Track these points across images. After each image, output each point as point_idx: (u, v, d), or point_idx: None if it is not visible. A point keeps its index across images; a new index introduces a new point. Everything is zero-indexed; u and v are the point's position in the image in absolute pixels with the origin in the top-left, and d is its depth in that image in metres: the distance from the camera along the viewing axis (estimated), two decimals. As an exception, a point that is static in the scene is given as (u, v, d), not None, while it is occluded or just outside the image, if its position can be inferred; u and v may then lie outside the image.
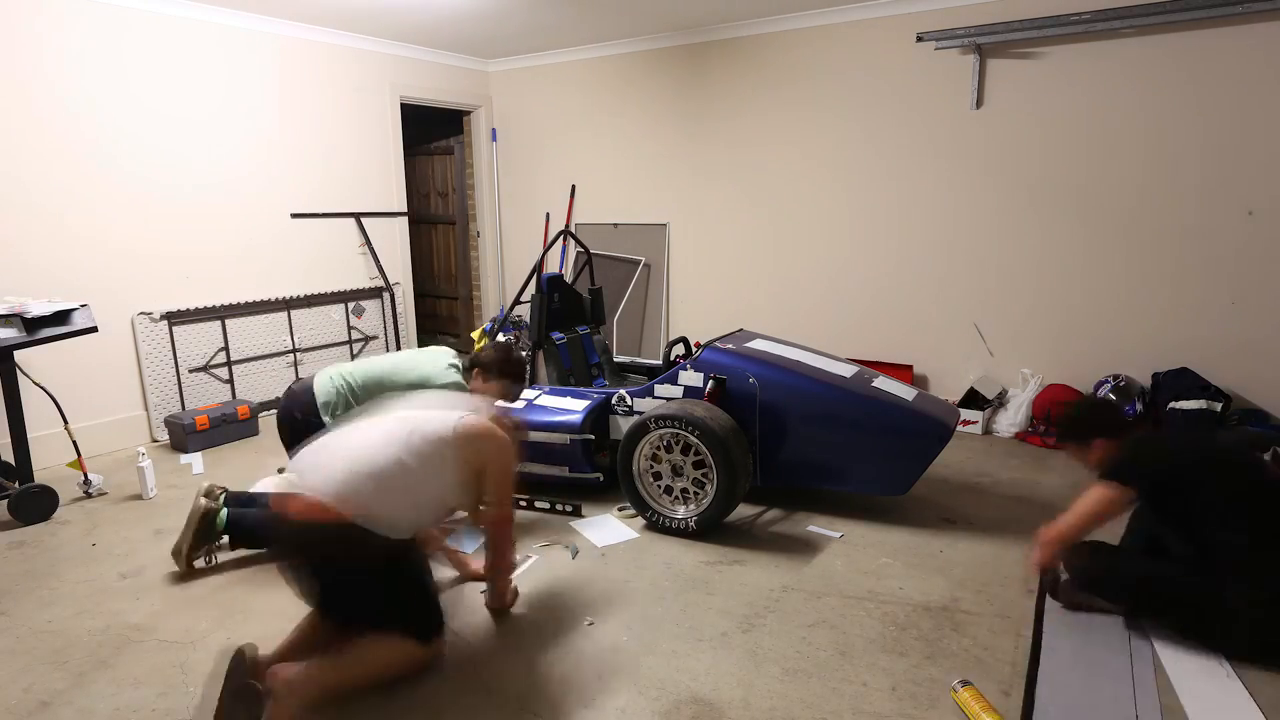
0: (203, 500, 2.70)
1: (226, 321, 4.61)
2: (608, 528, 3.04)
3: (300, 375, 4.98)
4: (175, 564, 2.72)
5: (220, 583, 2.66)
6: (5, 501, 3.18)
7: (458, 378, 2.93)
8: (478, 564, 2.57)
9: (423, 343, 6.24)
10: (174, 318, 4.36)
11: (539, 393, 3.55)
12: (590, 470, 3.25)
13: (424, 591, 2.08)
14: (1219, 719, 1.90)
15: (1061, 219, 4.17)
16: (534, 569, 2.72)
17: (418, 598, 2.07)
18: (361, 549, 1.92)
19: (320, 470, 1.98)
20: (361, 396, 2.86)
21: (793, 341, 3.61)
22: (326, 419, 2.81)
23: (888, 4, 4.40)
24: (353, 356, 5.31)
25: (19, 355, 3.23)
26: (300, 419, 2.85)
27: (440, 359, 3.01)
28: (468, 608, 2.44)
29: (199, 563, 2.73)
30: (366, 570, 1.95)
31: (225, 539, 2.75)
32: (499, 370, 2.79)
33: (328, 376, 2.93)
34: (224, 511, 2.73)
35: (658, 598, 2.51)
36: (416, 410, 2.22)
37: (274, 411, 4.73)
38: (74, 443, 3.44)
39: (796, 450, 3.07)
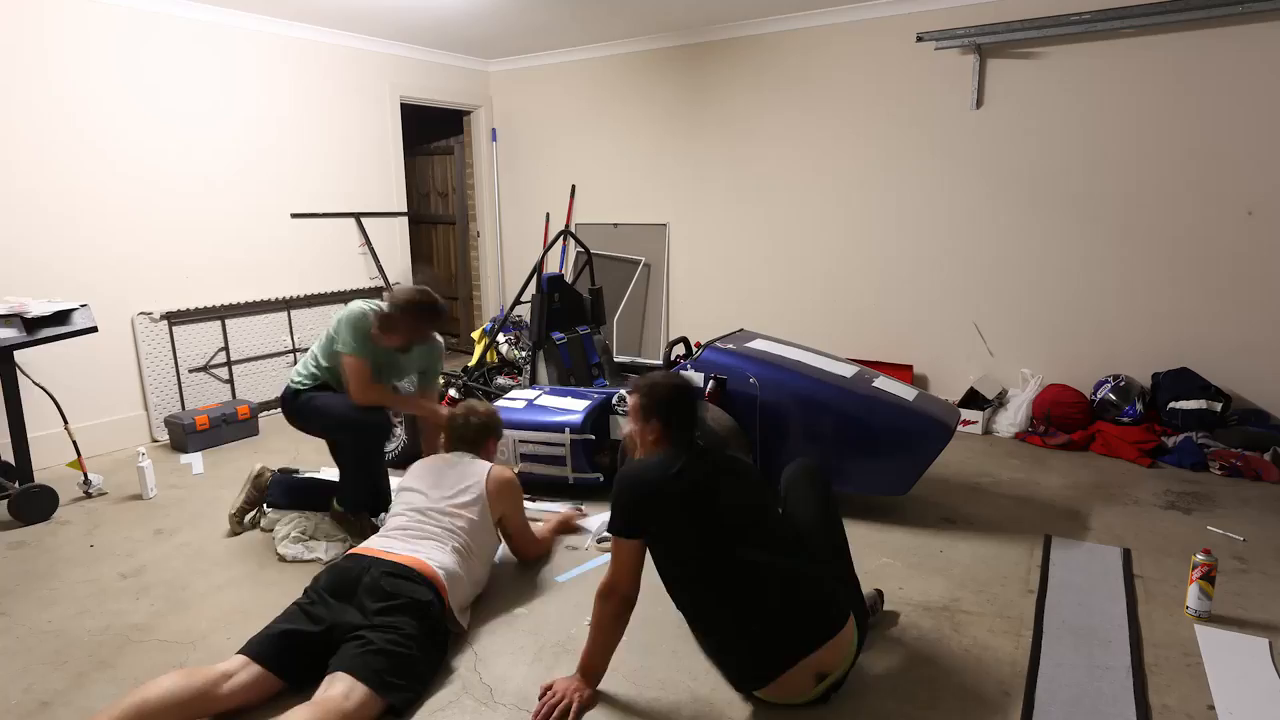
0: (258, 465, 3.10)
1: (226, 321, 4.61)
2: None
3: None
4: (228, 523, 3.07)
5: (221, 583, 2.66)
6: (5, 501, 3.18)
7: (343, 322, 2.86)
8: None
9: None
10: (174, 318, 4.36)
11: (539, 393, 3.55)
12: (590, 470, 3.26)
13: (421, 671, 2.04)
14: (1250, 708, 1.90)
15: (1062, 219, 4.17)
16: (535, 569, 2.72)
17: (420, 668, 2.03)
18: (443, 626, 2.16)
19: (415, 538, 2.31)
20: (313, 374, 2.98)
21: (793, 341, 3.61)
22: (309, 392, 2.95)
23: (888, 4, 4.40)
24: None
25: (19, 355, 3.23)
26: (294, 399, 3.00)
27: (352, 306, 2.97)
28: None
29: (290, 550, 2.88)
30: (421, 644, 2.03)
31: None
32: (401, 312, 2.83)
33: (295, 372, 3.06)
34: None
35: (658, 598, 2.50)
36: (447, 508, 2.43)
37: (275, 412, 4.75)
38: (74, 443, 3.44)
39: (797, 450, 3.07)
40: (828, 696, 1.93)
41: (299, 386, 2.95)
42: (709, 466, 1.98)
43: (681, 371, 3.18)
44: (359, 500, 2.92)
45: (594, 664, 1.97)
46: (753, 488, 2.04)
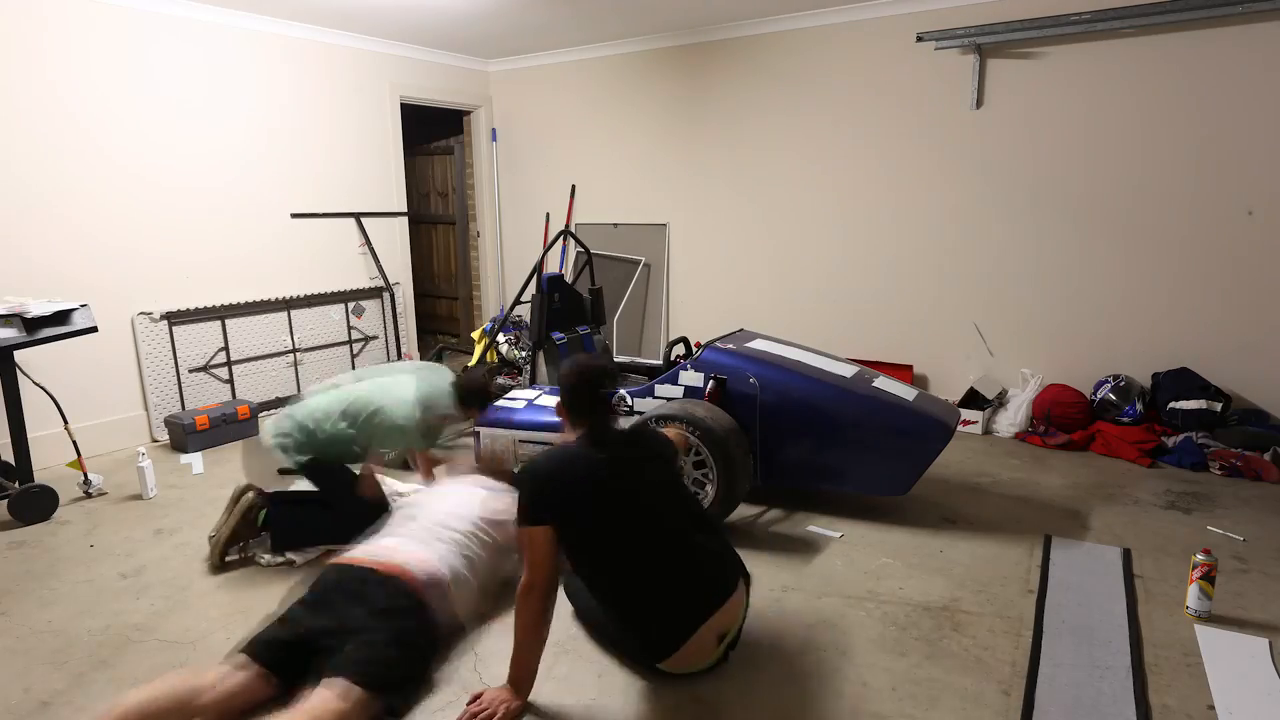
0: (250, 494, 2.77)
1: (226, 321, 4.61)
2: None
3: (300, 376, 4.99)
4: (209, 550, 2.77)
5: (220, 582, 2.66)
6: (5, 501, 3.18)
7: (413, 421, 2.75)
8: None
9: (422, 343, 6.25)
10: (174, 318, 4.36)
11: (539, 393, 3.55)
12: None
13: (416, 673, 2.08)
14: (1250, 708, 1.90)
15: (1062, 219, 4.17)
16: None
17: (419, 678, 2.09)
18: (434, 630, 2.15)
19: (421, 544, 2.27)
20: (310, 439, 2.74)
21: (793, 341, 3.61)
22: (290, 462, 2.76)
23: (888, 4, 4.40)
24: (353, 357, 5.32)
25: (19, 355, 3.23)
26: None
27: (404, 392, 2.80)
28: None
29: (266, 559, 2.77)
30: (413, 646, 2.05)
31: (264, 536, 2.81)
32: (480, 401, 2.97)
33: (269, 433, 2.81)
34: (264, 510, 2.79)
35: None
36: (449, 519, 2.41)
37: (274, 412, 4.75)
38: (74, 443, 3.44)
39: (797, 450, 3.07)
40: (726, 656, 2.08)
41: (293, 462, 2.75)
42: (619, 450, 2.03)
43: (682, 371, 3.18)
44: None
45: (523, 671, 1.93)
46: (665, 466, 2.15)
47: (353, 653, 1.89)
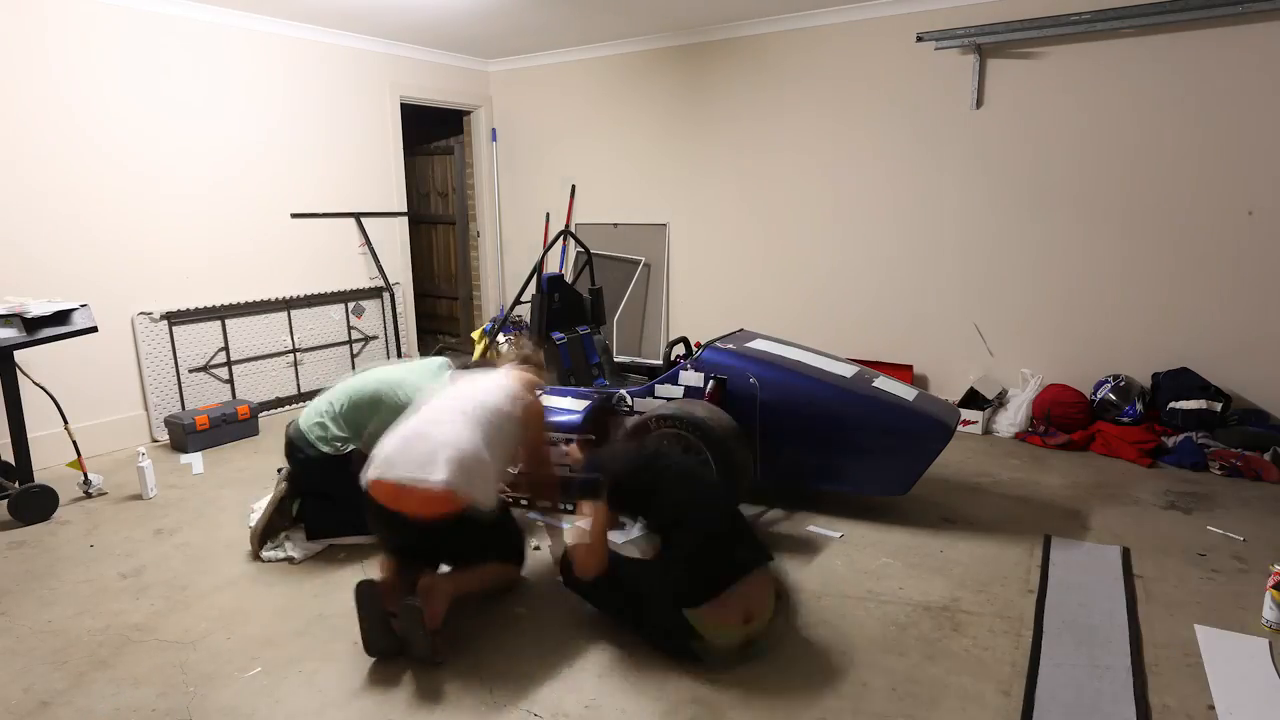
0: (283, 485, 2.85)
1: (226, 321, 4.61)
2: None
3: (300, 376, 4.98)
4: (249, 541, 2.87)
5: (220, 583, 2.66)
6: (5, 501, 3.18)
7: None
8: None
9: (422, 343, 6.25)
10: (174, 318, 4.36)
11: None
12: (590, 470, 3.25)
13: (511, 533, 2.56)
14: (1250, 708, 1.90)
15: (1062, 218, 4.17)
16: (538, 569, 2.72)
17: (508, 539, 2.55)
18: (474, 526, 2.27)
19: (422, 465, 2.21)
20: (351, 417, 2.85)
21: (793, 341, 3.61)
22: (326, 449, 2.80)
23: (888, 4, 4.40)
24: (353, 357, 5.31)
25: (19, 355, 3.22)
26: (304, 458, 2.83)
27: (428, 370, 2.97)
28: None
29: (267, 554, 2.81)
30: (474, 537, 2.34)
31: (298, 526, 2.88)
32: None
33: (311, 422, 2.86)
34: (298, 500, 2.86)
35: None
36: (475, 391, 2.47)
37: (274, 412, 4.75)
38: (74, 443, 3.44)
39: (797, 450, 3.07)
40: (750, 645, 2.17)
41: (319, 451, 2.80)
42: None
43: (682, 371, 3.18)
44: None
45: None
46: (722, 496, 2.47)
47: (448, 559, 2.39)
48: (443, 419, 2.32)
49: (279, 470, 2.95)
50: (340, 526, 2.86)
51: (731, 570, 2.14)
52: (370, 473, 2.25)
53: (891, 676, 2.08)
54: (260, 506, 2.99)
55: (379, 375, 2.94)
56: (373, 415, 2.79)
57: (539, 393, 2.65)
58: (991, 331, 4.46)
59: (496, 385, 2.50)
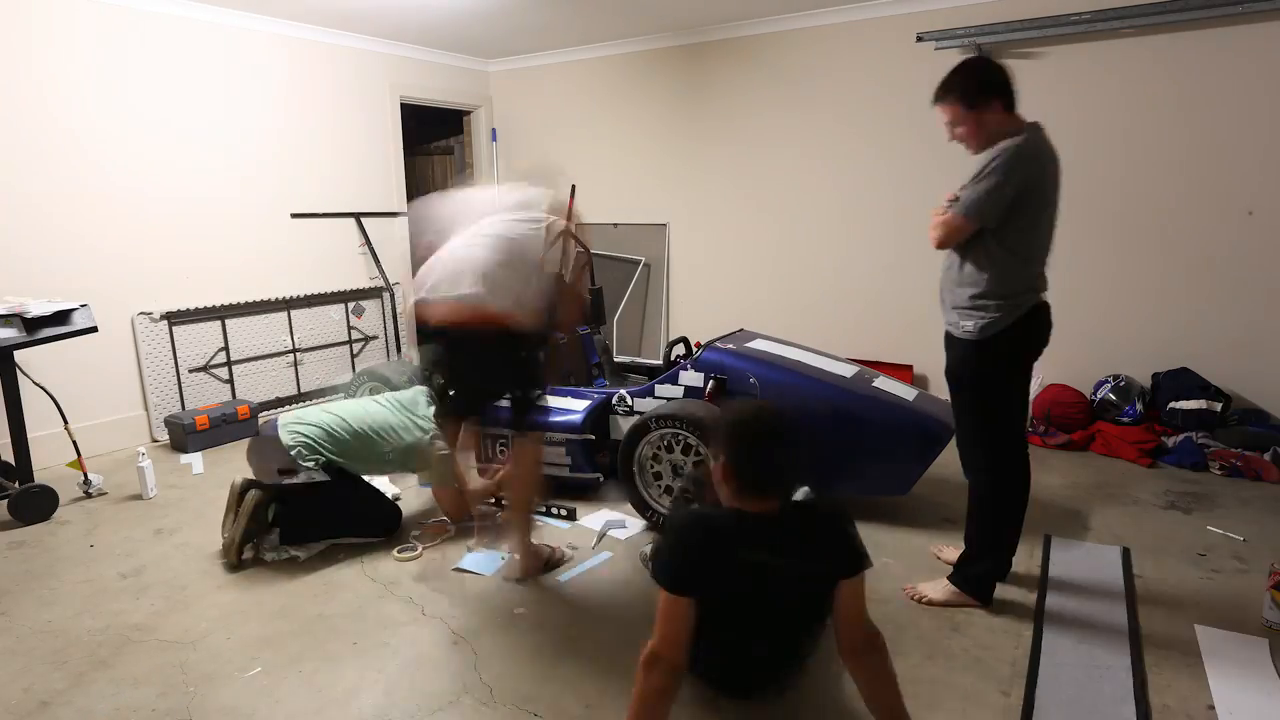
0: (254, 491, 2.77)
1: (226, 321, 4.61)
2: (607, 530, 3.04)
3: (300, 376, 4.98)
4: (224, 551, 2.79)
5: (220, 583, 2.66)
6: (5, 501, 3.17)
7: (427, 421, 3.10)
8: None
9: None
10: (174, 318, 4.36)
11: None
12: (590, 470, 3.25)
13: (536, 372, 2.66)
14: (1250, 708, 1.90)
15: (1062, 218, 4.14)
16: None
17: (533, 376, 2.64)
18: (507, 337, 2.44)
19: (454, 283, 2.49)
20: (345, 441, 2.93)
21: (793, 341, 3.61)
22: (309, 462, 2.80)
23: (888, 4, 4.39)
24: (353, 357, 5.31)
25: (19, 355, 3.23)
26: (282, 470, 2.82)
27: (414, 407, 3.17)
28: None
29: (270, 555, 2.80)
30: (508, 353, 2.50)
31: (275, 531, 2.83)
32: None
33: (306, 432, 2.87)
34: (273, 505, 2.82)
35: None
36: (507, 221, 2.60)
37: (274, 412, 4.75)
38: (74, 443, 3.44)
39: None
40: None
41: (309, 461, 2.80)
42: (781, 544, 1.71)
43: (682, 371, 3.18)
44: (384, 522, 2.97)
45: None
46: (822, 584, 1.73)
47: (478, 376, 2.66)
48: (473, 243, 2.55)
49: (238, 481, 2.84)
50: (318, 531, 2.85)
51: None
52: (414, 298, 2.60)
53: (891, 676, 2.08)
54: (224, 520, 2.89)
55: (382, 418, 3.07)
56: (361, 449, 2.96)
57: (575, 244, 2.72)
58: (991, 331, 4.44)
59: (528, 214, 2.63)
